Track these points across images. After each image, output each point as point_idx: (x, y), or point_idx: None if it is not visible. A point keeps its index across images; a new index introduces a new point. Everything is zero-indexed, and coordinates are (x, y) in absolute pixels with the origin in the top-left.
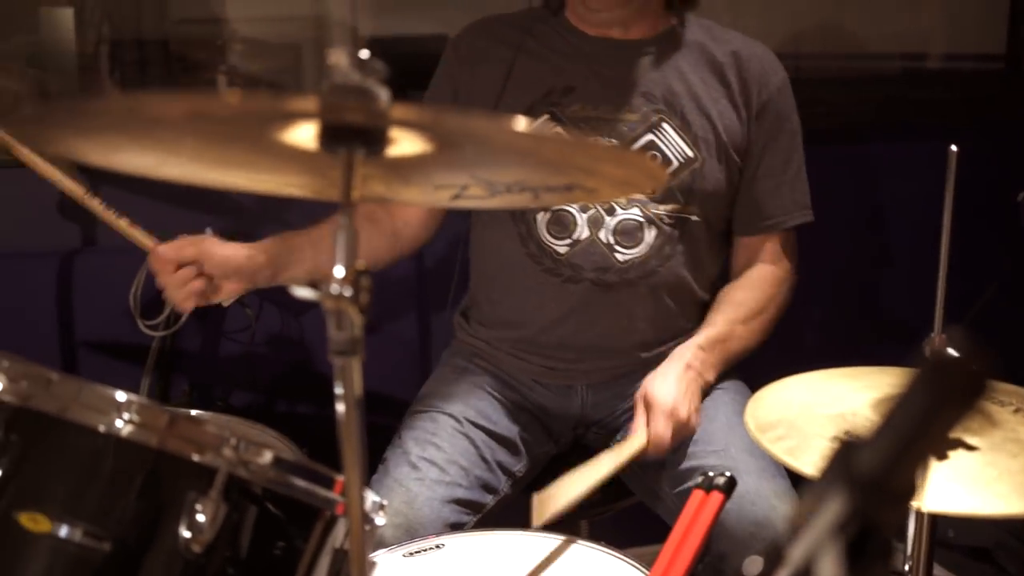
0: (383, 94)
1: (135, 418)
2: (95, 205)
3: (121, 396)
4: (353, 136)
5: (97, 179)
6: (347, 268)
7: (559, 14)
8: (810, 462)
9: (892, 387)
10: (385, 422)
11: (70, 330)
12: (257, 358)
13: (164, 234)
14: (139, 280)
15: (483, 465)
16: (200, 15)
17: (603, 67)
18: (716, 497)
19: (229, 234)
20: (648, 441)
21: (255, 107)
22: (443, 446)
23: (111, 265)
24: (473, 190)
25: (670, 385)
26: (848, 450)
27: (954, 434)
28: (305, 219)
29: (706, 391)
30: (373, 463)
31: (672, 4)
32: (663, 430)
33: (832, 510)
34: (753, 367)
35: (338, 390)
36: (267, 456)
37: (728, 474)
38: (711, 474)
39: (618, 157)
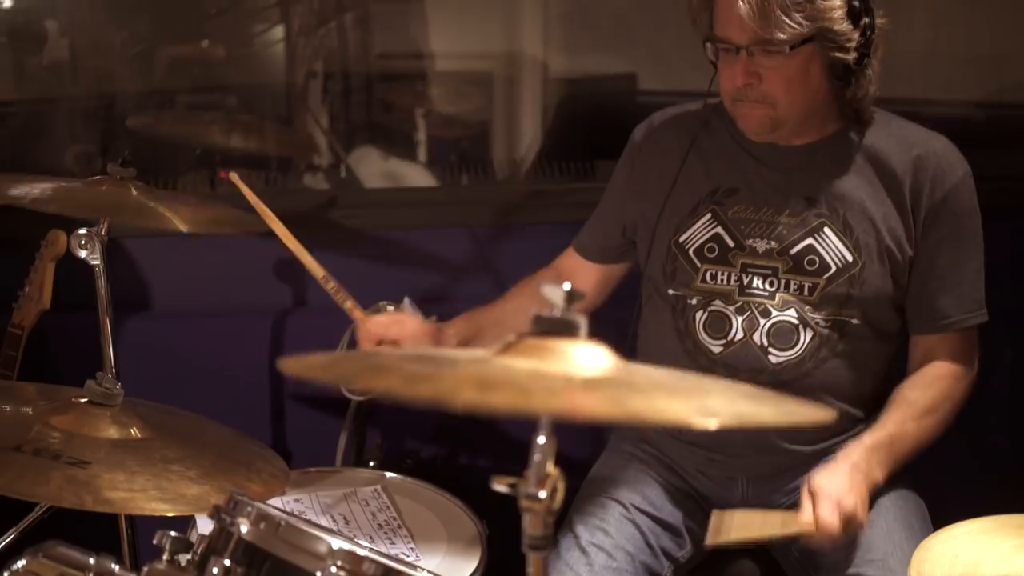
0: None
1: (344, 566)
2: (328, 284)
3: (335, 544)
4: None
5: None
6: (541, 475)
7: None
8: None
9: None
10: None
11: (279, 385)
12: (445, 419)
13: (363, 293)
14: (343, 343)
15: (648, 551)
16: (400, 50)
17: (768, 170)
18: None
19: (423, 300)
20: (816, 527)
21: None
22: (611, 531)
23: (320, 325)
24: None
25: (838, 479)
26: None
27: None
28: (493, 286)
29: (874, 492)
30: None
31: (847, 120)
32: (830, 517)
33: None
34: (927, 471)
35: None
36: None
37: None
38: None
39: None
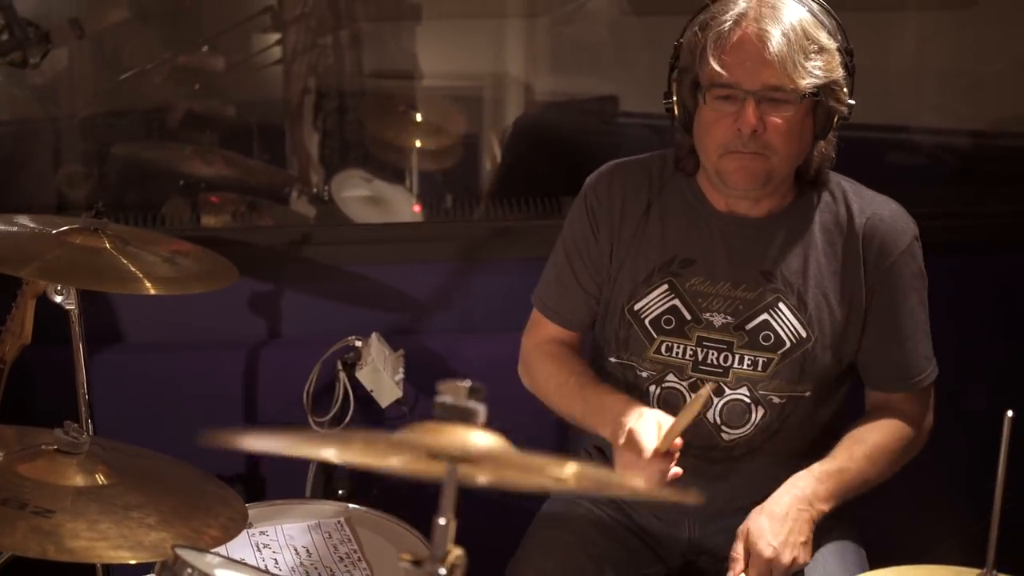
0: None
1: None
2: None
3: None
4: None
5: None
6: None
7: (692, 176)
8: None
9: None
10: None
11: (253, 415)
12: None
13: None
14: (312, 378)
15: None
16: (391, 69)
17: (726, 243)
18: None
19: (391, 333)
20: None
21: None
22: (560, 564)
23: (292, 358)
24: None
25: (776, 527)
26: None
27: None
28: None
29: (819, 522)
30: (507, 544)
31: (802, 184)
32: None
33: None
34: (870, 521)
35: None
36: None
37: None
38: None
39: None
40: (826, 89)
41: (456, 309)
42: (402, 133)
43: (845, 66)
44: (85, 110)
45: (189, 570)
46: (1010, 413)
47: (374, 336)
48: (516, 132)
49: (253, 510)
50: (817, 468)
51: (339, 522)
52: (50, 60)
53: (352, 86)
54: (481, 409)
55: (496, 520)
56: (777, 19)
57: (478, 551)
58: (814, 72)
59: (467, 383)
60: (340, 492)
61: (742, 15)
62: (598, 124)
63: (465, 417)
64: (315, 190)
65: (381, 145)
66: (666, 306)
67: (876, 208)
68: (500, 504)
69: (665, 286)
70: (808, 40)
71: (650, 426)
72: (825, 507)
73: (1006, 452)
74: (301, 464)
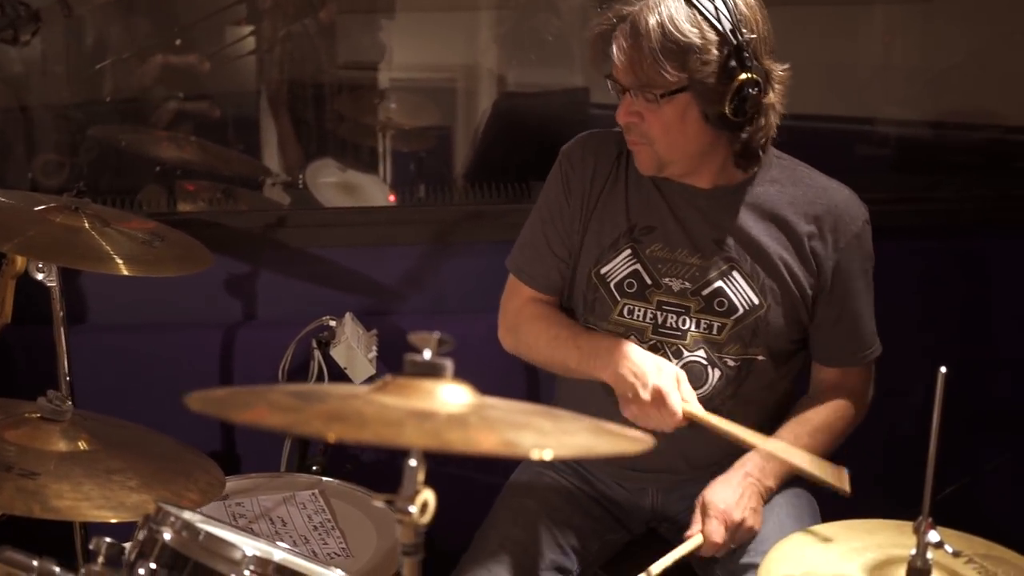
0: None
1: (257, 570)
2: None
3: (248, 551)
4: None
5: None
6: (412, 494)
7: None
8: None
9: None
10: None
11: None
12: None
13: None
14: (287, 356)
15: (558, 550)
16: (363, 60)
17: (680, 212)
18: None
19: (365, 314)
20: (704, 541)
21: None
22: (526, 531)
23: (267, 338)
24: None
25: (728, 491)
26: None
27: None
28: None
29: (768, 496)
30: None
31: (739, 163)
32: (715, 533)
33: None
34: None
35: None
36: None
37: None
38: None
39: None
40: (693, 90)
41: (428, 290)
42: (375, 118)
43: (724, 71)
44: (60, 99)
45: (172, 518)
46: (943, 369)
47: (348, 316)
48: (494, 115)
49: (229, 483)
50: (764, 449)
51: (313, 494)
52: (25, 50)
53: (326, 77)
54: (449, 364)
55: (466, 491)
56: (647, 19)
57: (450, 521)
58: (668, 74)
59: (436, 334)
60: (314, 468)
61: (627, 14)
62: (570, 114)
63: (435, 372)
64: (289, 178)
65: (355, 130)
66: (629, 270)
67: (831, 193)
68: (470, 477)
69: (628, 251)
70: (669, 41)
71: (672, 382)
72: (772, 483)
73: (940, 407)
74: (276, 441)
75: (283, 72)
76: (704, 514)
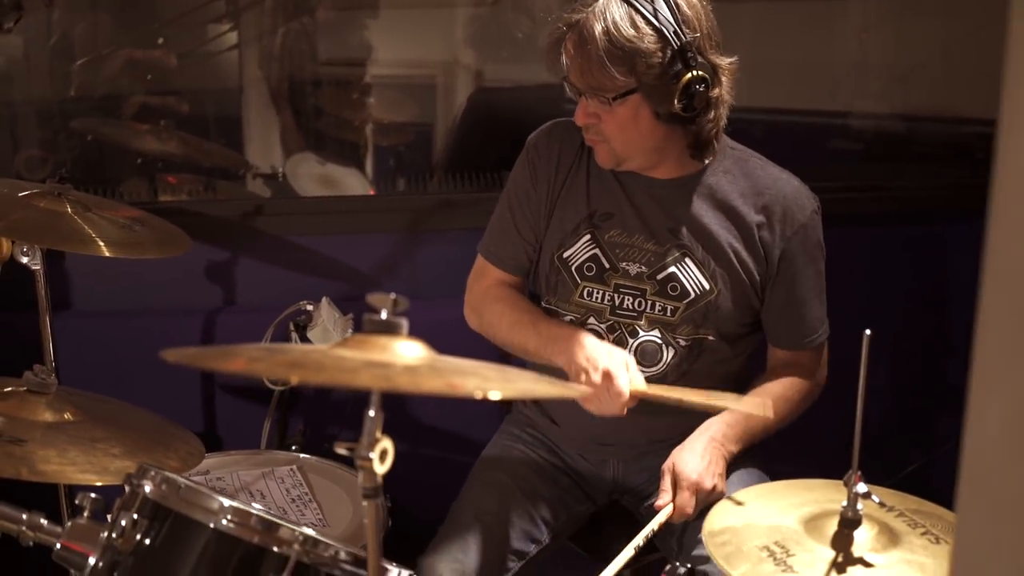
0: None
1: (234, 519)
2: None
3: (226, 503)
4: None
5: None
6: (372, 441)
7: None
8: (741, 569)
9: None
10: (464, 459)
11: (210, 377)
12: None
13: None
14: (266, 339)
15: (528, 519)
16: (344, 57)
17: (638, 200)
18: None
19: (341, 299)
20: (673, 511)
21: None
22: (497, 502)
23: (246, 323)
24: None
25: (695, 459)
26: None
27: (857, 550)
28: (407, 287)
29: (730, 462)
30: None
31: (693, 154)
32: (687, 502)
33: None
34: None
35: (366, 522)
36: (328, 550)
37: (688, 567)
38: (675, 567)
39: None
40: (646, 87)
41: (403, 276)
42: (356, 113)
43: (668, 72)
44: (42, 95)
45: (153, 472)
46: (868, 332)
47: (324, 300)
48: (469, 108)
49: (210, 459)
50: (727, 415)
51: (292, 469)
52: (7, 46)
53: (308, 73)
54: (404, 322)
55: (442, 469)
56: (592, 26)
57: (428, 496)
58: (616, 78)
59: (392, 295)
60: (293, 448)
61: (575, 21)
62: (543, 108)
63: (391, 329)
64: (269, 171)
65: (335, 124)
66: (588, 254)
67: (781, 184)
68: (445, 457)
69: (588, 236)
70: (615, 47)
71: (621, 365)
72: (734, 448)
73: (865, 368)
74: (256, 423)
75: (282, 67)
76: (675, 485)
